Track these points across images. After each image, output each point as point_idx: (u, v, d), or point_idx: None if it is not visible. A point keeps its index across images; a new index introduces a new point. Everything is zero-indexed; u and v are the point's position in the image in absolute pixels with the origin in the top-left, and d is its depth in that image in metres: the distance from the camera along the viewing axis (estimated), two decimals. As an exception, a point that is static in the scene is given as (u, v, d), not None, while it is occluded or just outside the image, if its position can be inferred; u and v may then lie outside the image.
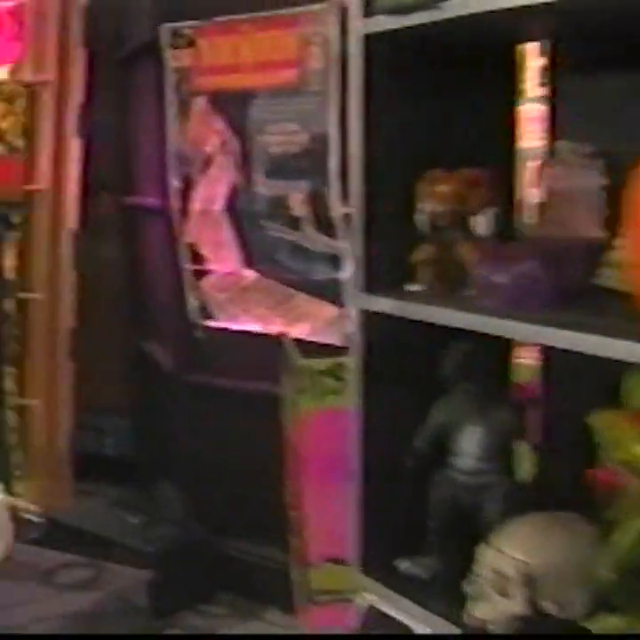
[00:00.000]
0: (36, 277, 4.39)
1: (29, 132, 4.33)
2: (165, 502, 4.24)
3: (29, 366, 4.46)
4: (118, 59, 4.45)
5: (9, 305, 4.44)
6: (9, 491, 4.43)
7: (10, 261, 4.43)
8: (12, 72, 4.41)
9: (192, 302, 3.99)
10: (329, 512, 3.04)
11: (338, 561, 3.08)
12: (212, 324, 3.96)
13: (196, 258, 3.96)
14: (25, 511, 4.34)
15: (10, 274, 4.44)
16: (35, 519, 4.29)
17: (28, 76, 4.34)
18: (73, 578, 3.52)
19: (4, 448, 4.51)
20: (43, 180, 4.32)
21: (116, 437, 4.83)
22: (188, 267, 3.98)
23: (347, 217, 3.28)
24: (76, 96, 4.25)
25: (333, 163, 3.36)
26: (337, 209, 3.36)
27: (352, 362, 2.13)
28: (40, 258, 4.37)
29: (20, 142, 4.35)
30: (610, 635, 1.76)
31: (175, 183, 3.96)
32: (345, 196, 3.26)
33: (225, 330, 3.90)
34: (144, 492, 4.38)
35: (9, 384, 4.48)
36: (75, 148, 4.27)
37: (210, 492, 4.05)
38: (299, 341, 3.41)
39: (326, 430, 3.04)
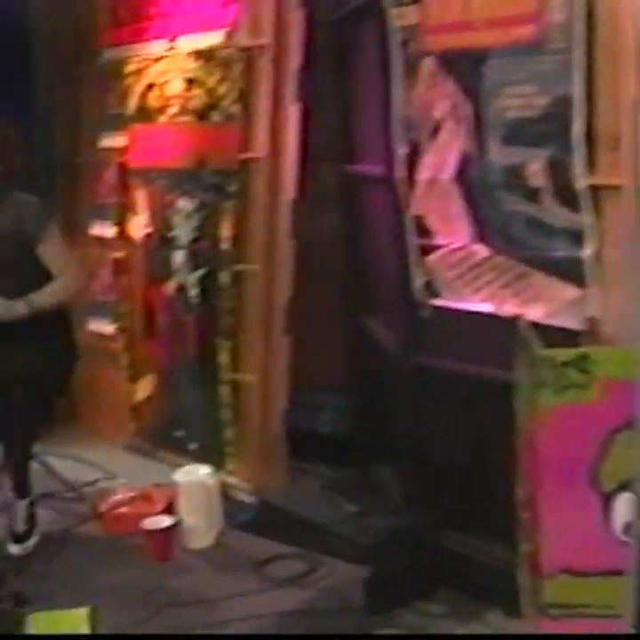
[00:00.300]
0: (253, 248, 4.29)
1: (246, 99, 4.21)
2: (383, 489, 4.04)
3: (244, 340, 4.37)
4: (337, 19, 4.26)
5: (224, 277, 4.35)
6: (221, 467, 4.36)
7: (225, 232, 4.33)
8: (228, 36, 4.29)
9: (417, 279, 3.74)
10: (567, 518, 2.77)
11: (575, 573, 2.79)
12: (438, 302, 3.69)
13: (423, 231, 3.70)
14: (236, 489, 4.26)
15: (225, 244, 4.33)
16: (246, 499, 4.19)
17: (244, 40, 4.23)
18: (285, 571, 3.38)
19: (217, 424, 4.44)
20: (260, 148, 4.19)
21: (333, 415, 4.65)
22: (414, 241, 3.73)
23: (592, 188, 2.98)
24: (294, 60, 4.06)
25: (577, 128, 3.02)
26: (581, 179, 3.02)
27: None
28: (256, 228, 4.26)
29: (236, 109, 4.24)
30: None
31: (401, 151, 3.70)
32: (591, 164, 2.97)
33: (452, 310, 3.63)
34: (360, 476, 4.20)
35: (224, 358, 4.39)
36: (293, 114, 4.09)
37: (431, 480, 3.82)
38: (533, 325, 3.10)
39: (568, 427, 2.75)
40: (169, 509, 3.78)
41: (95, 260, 5.08)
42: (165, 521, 3.62)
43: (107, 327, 5.07)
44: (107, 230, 4.99)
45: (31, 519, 3.75)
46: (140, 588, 3.34)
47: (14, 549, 3.68)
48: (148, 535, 3.58)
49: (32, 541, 3.72)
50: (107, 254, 5.01)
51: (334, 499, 3.97)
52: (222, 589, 3.30)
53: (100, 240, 5.02)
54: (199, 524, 3.68)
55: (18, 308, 3.60)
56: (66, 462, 4.61)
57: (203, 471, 3.80)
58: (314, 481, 4.26)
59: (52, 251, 3.69)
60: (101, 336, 5.10)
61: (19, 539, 3.71)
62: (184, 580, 3.45)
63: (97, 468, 4.57)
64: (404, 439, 3.98)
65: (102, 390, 5.20)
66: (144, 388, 4.92)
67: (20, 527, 3.72)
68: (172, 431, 4.74)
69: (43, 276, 3.68)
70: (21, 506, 3.74)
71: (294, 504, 3.94)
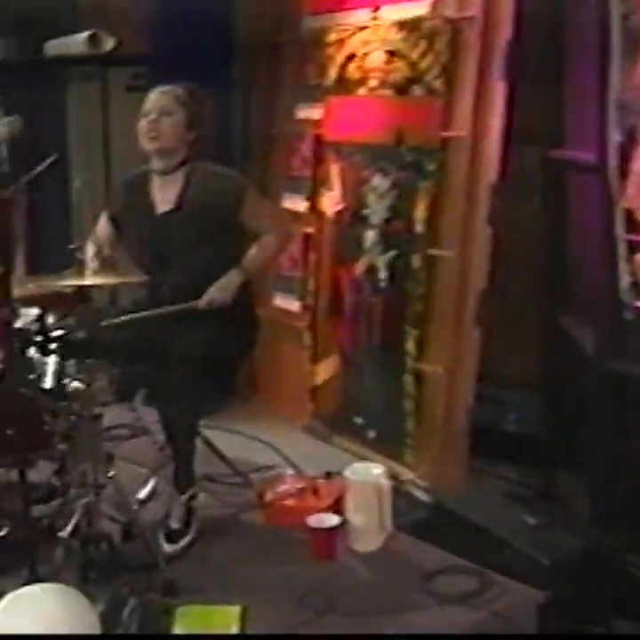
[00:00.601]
0: (448, 233, 4.09)
1: (449, 73, 3.99)
2: (570, 502, 3.77)
3: (433, 329, 4.18)
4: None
5: (416, 261, 4.16)
6: (399, 459, 4.23)
7: (420, 213, 4.14)
8: (434, 7, 4.07)
9: (624, 278, 3.41)
10: None
11: None
12: (646, 305, 3.37)
13: (633, 226, 3.36)
14: (412, 485, 4.09)
15: (419, 227, 4.14)
16: (421, 496, 3.99)
17: (450, 11, 4.01)
18: (454, 586, 3.15)
19: (398, 414, 4.27)
20: (462, 126, 3.97)
21: (520, 414, 4.37)
22: (623, 236, 3.40)
23: None
24: (503, 34, 3.79)
25: None
26: None
27: None
28: (453, 211, 4.05)
29: (438, 84, 4.03)
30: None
31: (615, 137, 3.36)
32: None
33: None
34: (543, 484, 3.95)
35: (410, 346, 4.22)
36: (499, 91, 3.82)
37: (622, 497, 3.52)
38: None
39: None
40: (336, 505, 3.60)
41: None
42: (332, 519, 3.45)
43: (293, 304, 4.94)
44: (299, 204, 4.85)
45: (188, 516, 3.54)
46: (297, 588, 3.18)
47: (166, 547, 3.45)
48: (313, 532, 3.42)
49: (186, 540, 3.50)
50: (298, 229, 4.87)
51: (512, 507, 3.73)
52: (384, 599, 3.11)
53: (292, 214, 4.88)
54: (366, 526, 3.50)
55: (234, 279, 3.51)
56: (237, 439, 4.53)
57: (375, 470, 3.62)
58: (493, 483, 4.05)
59: (254, 212, 3.64)
60: (286, 312, 4.98)
61: (172, 537, 3.48)
62: (345, 584, 3.27)
63: (271, 448, 4.46)
64: (596, 449, 3.68)
65: (284, 368, 5.10)
66: (325, 369, 4.77)
67: (175, 525, 3.51)
68: (351, 417, 4.58)
69: (240, 247, 3.59)
70: (179, 502, 3.55)
71: (470, 509, 3.72)
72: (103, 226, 3.85)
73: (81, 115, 5.21)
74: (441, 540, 3.50)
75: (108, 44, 4.89)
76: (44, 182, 3.93)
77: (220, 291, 3.57)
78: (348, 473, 3.59)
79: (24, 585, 2.79)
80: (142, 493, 3.72)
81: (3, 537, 3.11)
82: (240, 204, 3.59)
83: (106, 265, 3.66)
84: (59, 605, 2.48)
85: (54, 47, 5.07)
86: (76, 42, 4.90)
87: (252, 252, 3.64)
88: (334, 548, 3.42)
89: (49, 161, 3.77)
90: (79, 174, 4.55)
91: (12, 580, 2.91)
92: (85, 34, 4.84)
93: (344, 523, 3.48)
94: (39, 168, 3.80)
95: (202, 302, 3.55)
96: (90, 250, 3.70)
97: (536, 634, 2.77)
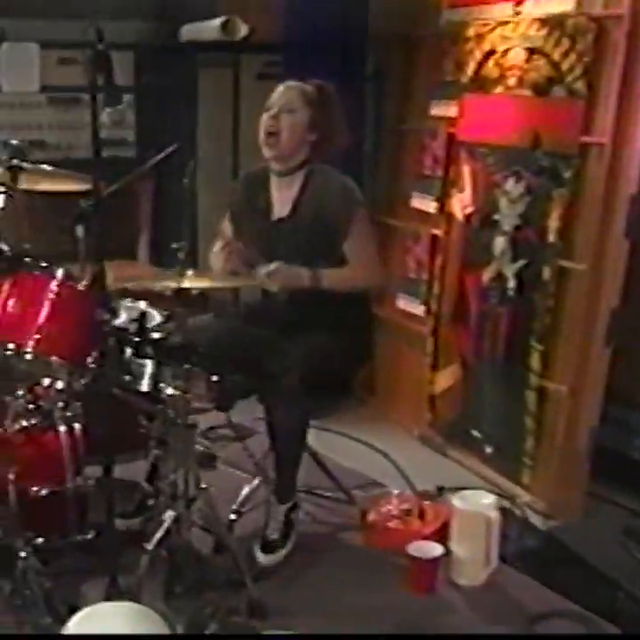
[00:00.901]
0: (581, 244, 3.87)
1: (592, 75, 3.74)
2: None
3: (559, 345, 3.97)
4: None
5: (547, 272, 3.95)
6: (515, 479, 4.08)
7: (553, 222, 3.91)
8: (579, 3, 3.83)
9: None
10: None
11: None
12: None
13: None
14: (527, 508, 3.89)
15: (552, 236, 3.92)
16: (536, 523, 3.79)
17: (597, 8, 3.77)
18: (559, 633, 2.92)
19: (518, 431, 4.08)
20: (602, 132, 3.73)
21: (648, 439, 4.16)
22: None
23: None
24: (653, 34, 3.56)
25: None
26: None
27: None
28: (588, 222, 3.82)
29: (580, 85, 3.78)
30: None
31: None
32: None
33: None
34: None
35: (534, 361, 4.02)
36: (645, 97, 3.58)
37: None
38: None
39: None
40: (442, 531, 3.41)
41: (412, 234, 4.79)
42: (434, 549, 3.26)
43: (416, 307, 4.78)
44: (428, 204, 4.67)
45: (288, 527, 3.40)
46: (390, 619, 3.01)
47: (262, 558, 3.32)
48: (413, 562, 3.23)
49: (284, 552, 3.37)
50: (425, 230, 4.70)
51: (629, 544, 3.46)
52: (485, 641, 2.92)
53: (420, 214, 4.71)
54: (471, 559, 3.30)
55: (302, 275, 3.32)
56: (348, 443, 4.43)
57: (485, 500, 3.40)
58: (613, 512, 3.84)
59: (354, 242, 3.41)
60: (409, 315, 4.83)
61: (269, 548, 3.35)
62: (441, 620, 3.08)
63: (383, 457, 4.31)
64: None
65: (403, 373, 4.94)
66: (445, 377, 4.60)
67: (273, 535, 3.38)
68: (469, 429, 4.40)
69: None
70: (279, 512, 3.42)
71: (584, 544, 3.45)
72: (226, 224, 3.71)
73: (211, 101, 5.14)
74: (550, 576, 3.29)
75: (242, 30, 4.81)
76: (169, 170, 3.86)
77: (281, 272, 3.31)
78: (455, 500, 3.39)
79: (105, 595, 2.70)
80: (238, 502, 3.59)
81: (88, 541, 3.03)
82: (348, 222, 3.37)
83: (231, 264, 3.51)
84: (127, 626, 2.37)
85: (188, 32, 5.02)
86: (210, 28, 4.84)
87: (337, 270, 3.39)
88: (434, 580, 3.24)
89: (170, 150, 3.69)
90: (203, 164, 4.45)
91: (94, 589, 2.85)
92: (219, 20, 4.76)
93: (447, 553, 3.29)
94: (159, 156, 3.73)
95: (264, 270, 3.31)
96: (216, 247, 3.58)
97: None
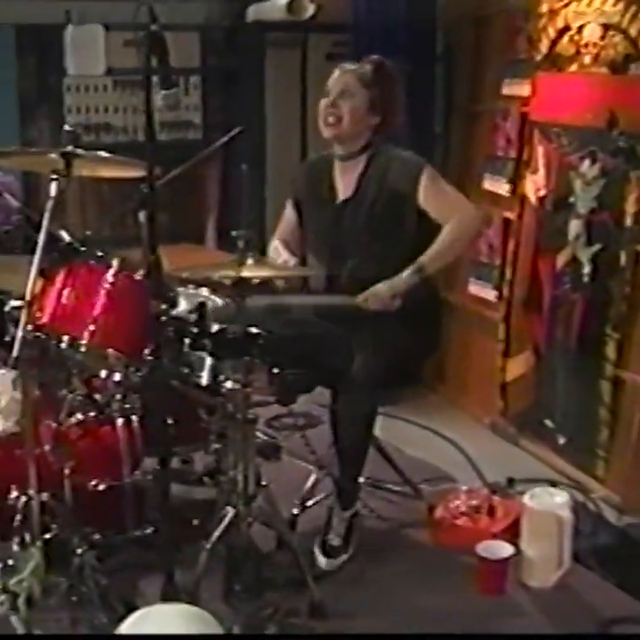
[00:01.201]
0: None
1: None
2: None
3: (636, 334, 3.83)
4: None
5: (623, 257, 3.81)
6: (590, 471, 3.96)
7: (631, 206, 3.76)
8: None
9: None
10: None
11: None
12: None
13: None
14: (602, 501, 3.77)
15: (629, 220, 3.78)
16: (610, 518, 3.65)
17: None
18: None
19: (592, 421, 3.95)
20: None
21: None
22: None
23: None
24: None
25: None
26: None
27: None
28: None
29: None
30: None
31: None
32: None
33: None
34: None
35: (609, 350, 3.88)
36: None
37: None
38: None
39: None
40: (512, 529, 3.28)
41: (484, 217, 4.64)
42: (503, 550, 3.13)
43: (488, 292, 4.66)
44: (500, 186, 4.54)
45: (349, 533, 3.30)
46: (457, 621, 2.90)
47: (322, 562, 3.23)
48: (481, 563, 3.11)
49: (344, 557, 3.27)
50: (497, 213, 4.56)
51: None
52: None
53: (492, 196, 4.57)
54: (542, 560, 3.16)
55: (405, 279, 3.19)
56: (418, 431, 4.35)
57: (558, 498, 3.25)
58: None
59: (431, 195, 3.28)
60: (481, 301, 4.72)
61: (329, 552, 3.25)
62: (510, 623, 2.96)
63: (454, 446, 4.23)
64: None
65: (474, 359, 4.84)
66: (517, 365, 4.46)
67: (334, 540, 3.28)
68: (541, 419, 4.27)
69: (422, 242, 3.27)
70: (341, 517, 3.31)
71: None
72: (289, 211, 3.62)
73: (279, 82, 5.06)
74: (624, 576, 3.15)
75: (308, 10, 4.73)
76: (235, 153, 3.78)
77: (384, 292, 3.19)
78: (526, 498, 3.25)
79: (161, 593, 2.64)
80: (301, 496, 3.51)
81: (146, 537, 2.98)
82: (415, 186, 3.25)
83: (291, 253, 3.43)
84: (182, 629, 2.31)
85: (255, 12, 4.96)
86: (276, 7, 4.77)
87: (434, 248, 3.24)
88: (503, 582, 3.12)
89: (233, 132, 3.62)
90: (271, 147, 4.39)
91: (151, 586, 2.80)
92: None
93: (517, 553, 3.17)
94: (223, 139, 3.65)
95: (360, 299, 3.20)
96: (277, 235, 3.53)
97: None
